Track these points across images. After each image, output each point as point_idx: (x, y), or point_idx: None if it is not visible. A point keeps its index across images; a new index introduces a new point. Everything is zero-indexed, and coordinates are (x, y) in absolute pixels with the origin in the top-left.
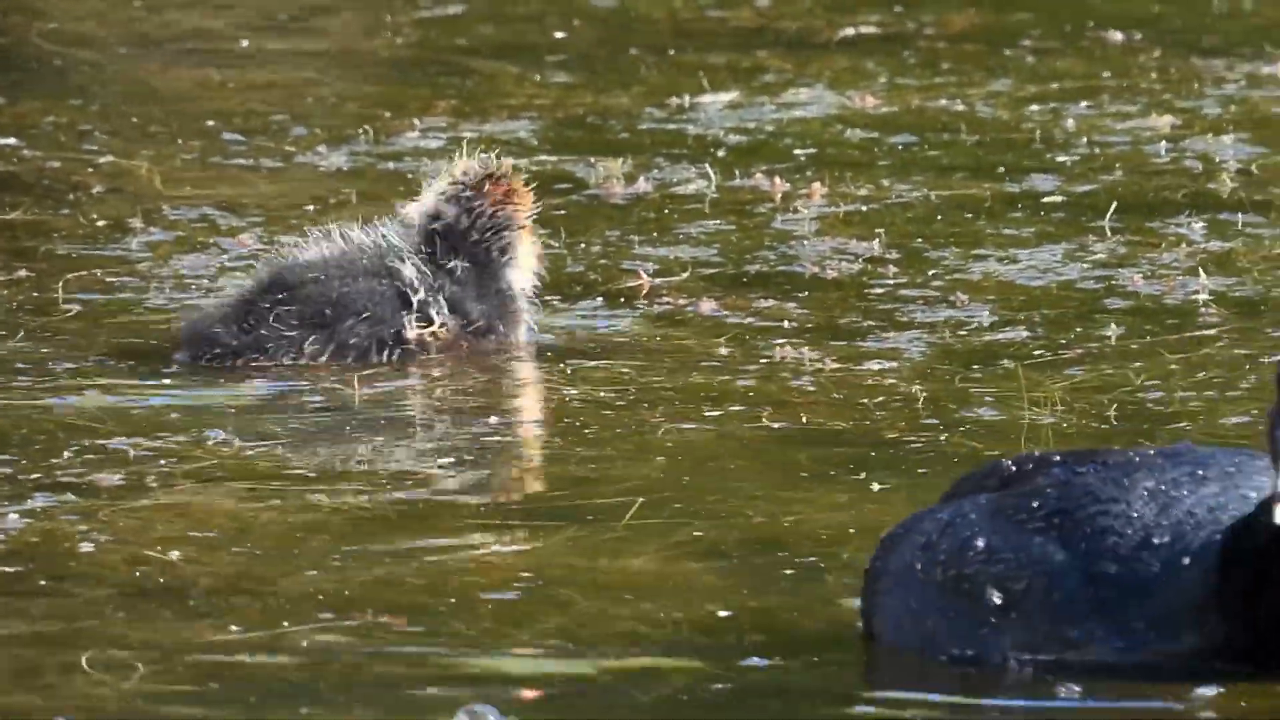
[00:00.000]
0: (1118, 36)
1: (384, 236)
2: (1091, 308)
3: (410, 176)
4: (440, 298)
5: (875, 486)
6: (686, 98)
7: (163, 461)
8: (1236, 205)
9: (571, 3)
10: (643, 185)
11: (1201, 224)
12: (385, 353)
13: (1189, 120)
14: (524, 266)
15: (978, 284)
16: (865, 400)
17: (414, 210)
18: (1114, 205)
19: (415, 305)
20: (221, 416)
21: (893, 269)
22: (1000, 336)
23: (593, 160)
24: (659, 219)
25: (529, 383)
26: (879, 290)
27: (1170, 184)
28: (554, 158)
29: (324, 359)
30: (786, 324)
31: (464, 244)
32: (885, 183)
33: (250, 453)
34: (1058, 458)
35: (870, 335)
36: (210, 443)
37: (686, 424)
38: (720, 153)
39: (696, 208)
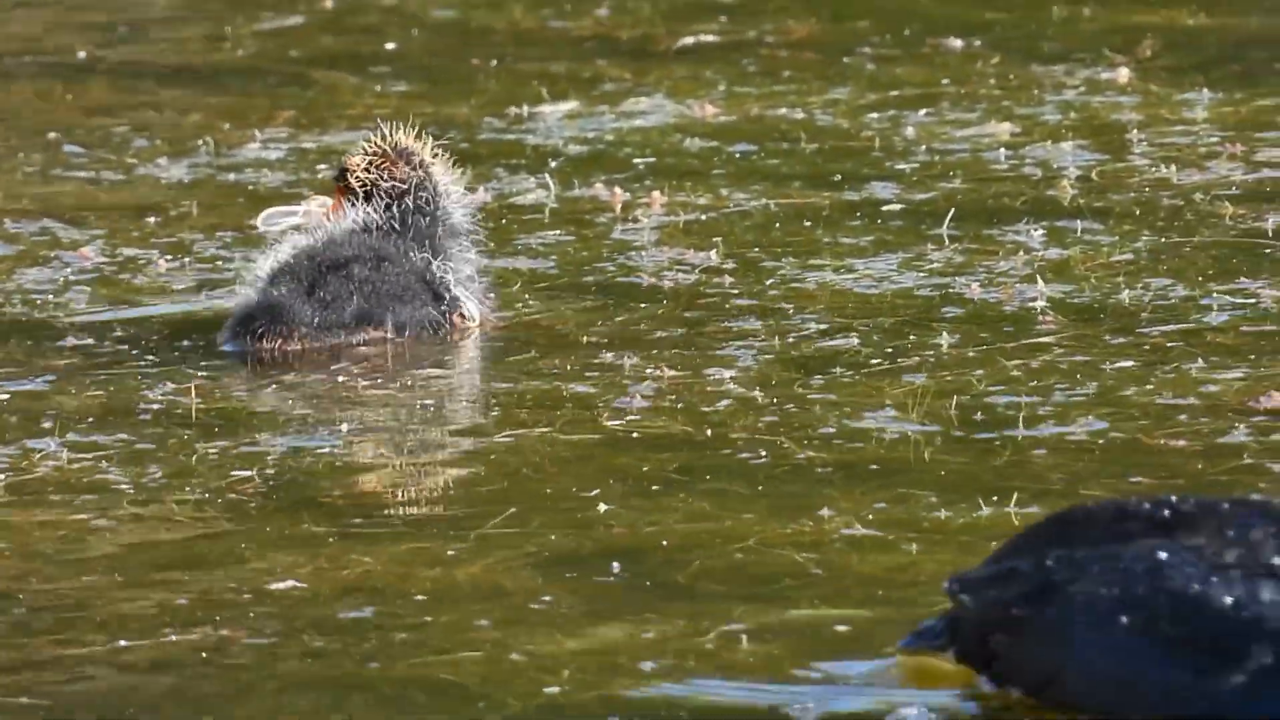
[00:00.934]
0: (957, 44)
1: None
2: (929, 315)
3: (251, 188)
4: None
5: (725, 493)
6: (525, 107)
7: None
8: (1075, 212)
9: (410, 13)
10: (482, 195)
11: (1040, 231)
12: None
13: (1028, 127)
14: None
15: (814, 293)
16: (706, 408)
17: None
18: (952, 213)
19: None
20: (52, 428)
21: (729, 279)
22: (837, 344)
23: None
24: (498, 229)
25: (367, 399)
26: (717, 299)
27: (1009, 191)
28: None
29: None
30: (625, 333)
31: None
32: (724, 192)
33: (79, 466)
34: (1226, 504)
35: (708, 345)
36: (38, 455)
37: (524, 430)
38: (559, 163)
39: (536, 218)
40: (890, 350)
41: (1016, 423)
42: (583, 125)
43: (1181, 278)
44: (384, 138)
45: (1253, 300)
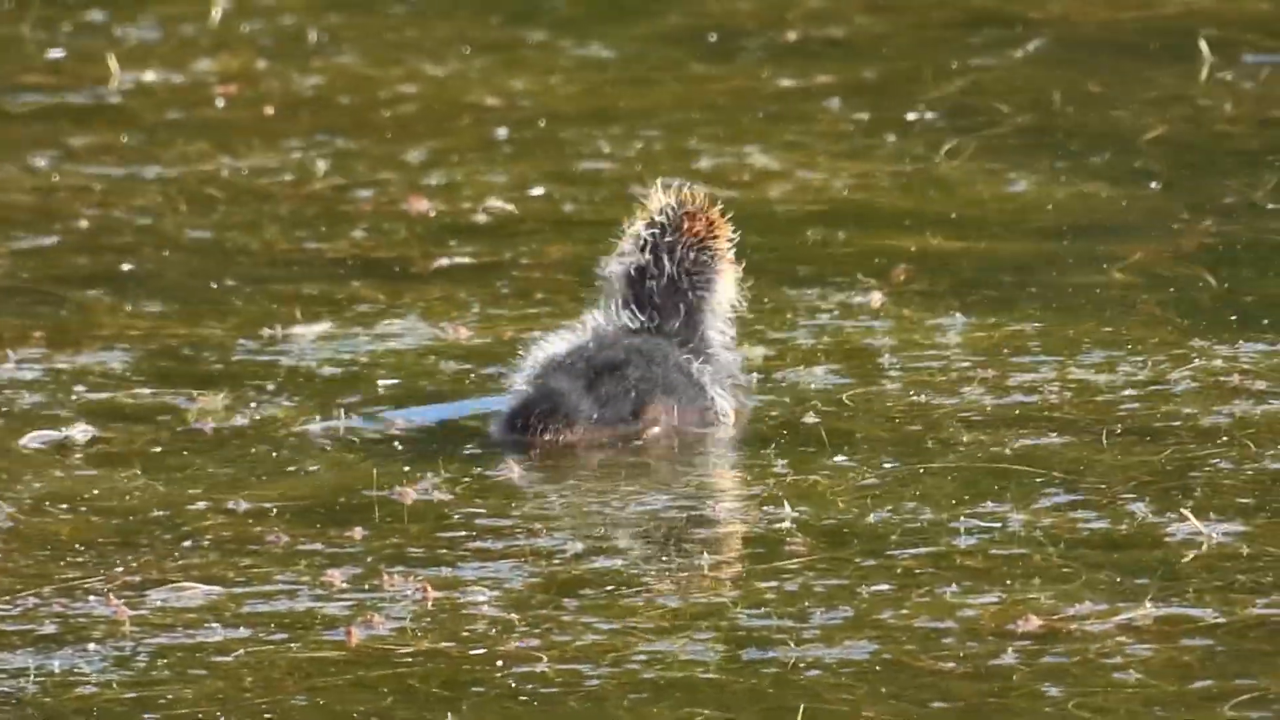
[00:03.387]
0: None
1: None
2: (681, 536)
3: (5, 410)
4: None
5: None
6: (279, 328)
7: None
8: (824, 436)
9: (165, 232)
10: (239, 419)
11: (788, 455)
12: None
13: (781, 351)
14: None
15: (563, 512)
16: (465, 630)
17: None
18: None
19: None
20: None
21: (479, 500)
22: (593, 565)
23: (193, 394)
24: (255, 455)
25: None
26: (472, 519)
27: (760, 414)
28: (149, 390)
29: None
30: (382, 549)
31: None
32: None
33: None
34: None
35: (468, 563)
36: None
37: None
38: (313, 384)
39: (292, 442)
40: (642, 571)
41: (783, 644)
42: (337, 346)
43: (929, 501)
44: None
45: (1000, 524)
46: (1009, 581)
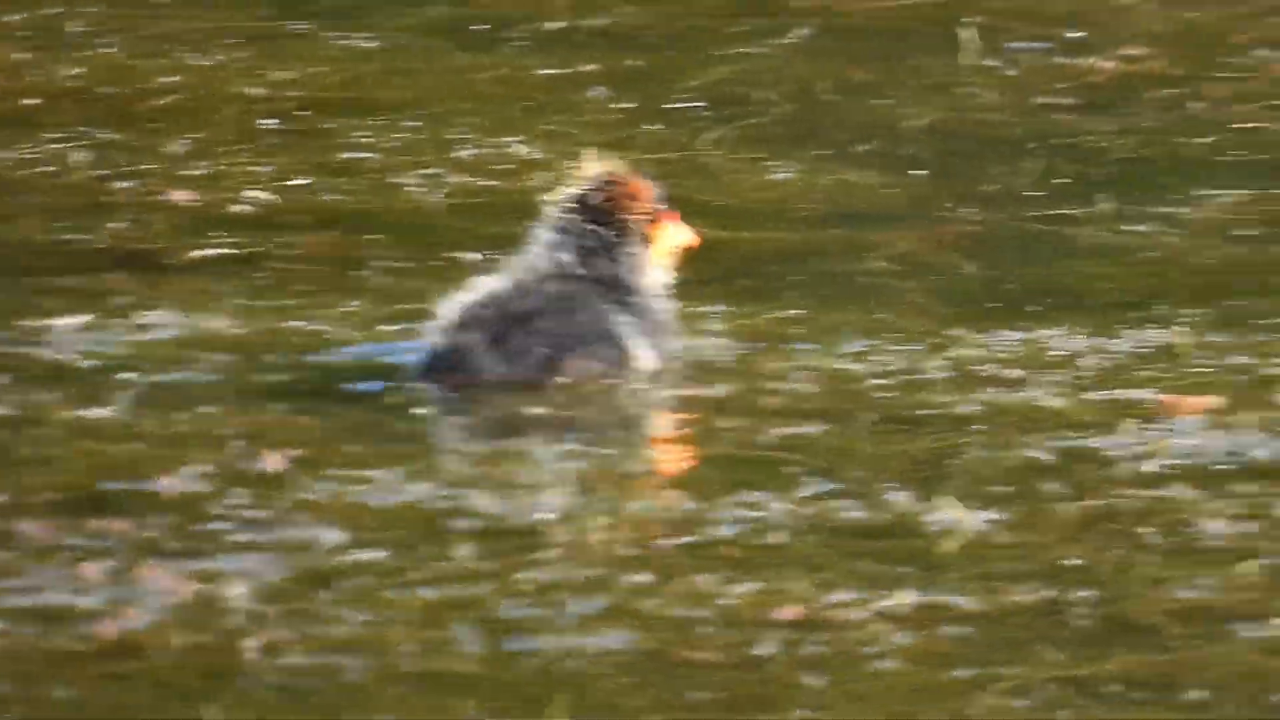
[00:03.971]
0: (475, 256)
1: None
2: (437, 528)
3: None
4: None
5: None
6: (37, 321)
7: None
8: (588, 423)
9: None
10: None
11: (556, 445)
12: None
13: None
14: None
15: (327, 505)
16: (221, 623)
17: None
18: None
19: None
20: None
21: (241, 489)
22: (351, 557)
23: None
24: (11, 447)
25: None
26: (231, 511)
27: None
28: None
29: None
30: (139, 541)
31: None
32: (233, 405)
33: None
34: None
35: (226, 554)
36: None
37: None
38: (71, 376)
39: (50, 434)
40: (401, 563)
41: (542, 635)
42: (96, 339)
43: (690, 491)
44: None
45: (760, 513)
46: (767, 570)
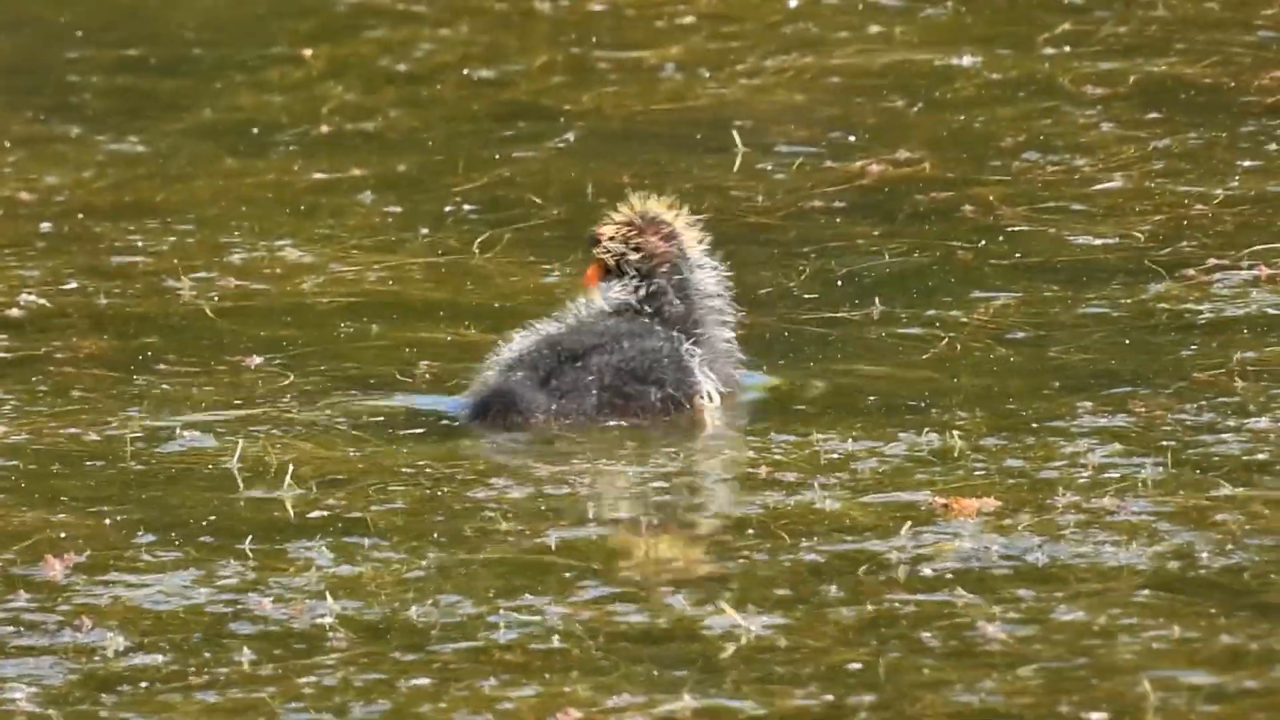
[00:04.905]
0: (257, 360)
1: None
2: (219, 632)
3: None
4: (708, 370)
5: None
6: None
7: None
8: (366, 528)
9: None
10: None
11: (329, 548)
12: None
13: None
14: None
15: (107, 609)
16: None
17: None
18: (251, 536)
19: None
20: None
21: (24, 593)
22: (133, 662)
23: None
24: None
25: None
26: (13, 615)
27: (306, 505)
28: None
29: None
30: None
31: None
32: (20, 515)
33: None
34: None
35: (7, 659)
36: None
37: None
38: None
39: None
40: (183, 667)
41: None
42: None
43: (469, 594)
44: (632, 207)
45: (538, 617)
46: (547, 675)
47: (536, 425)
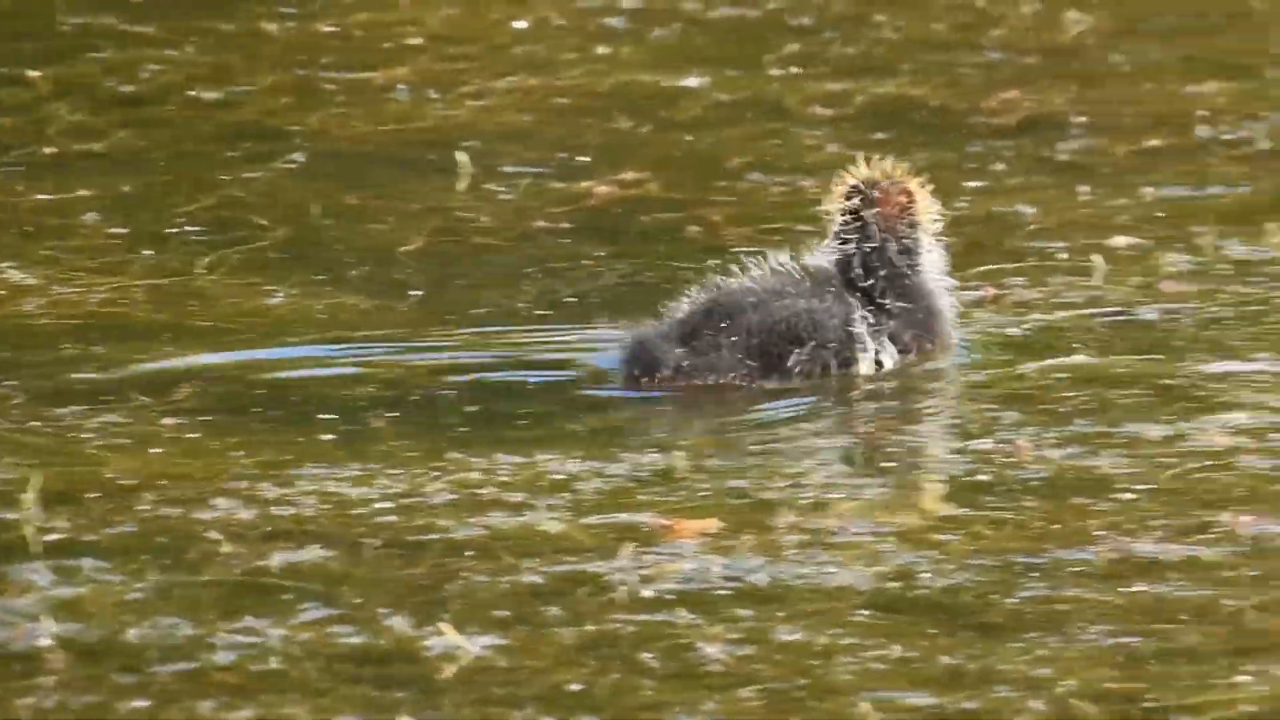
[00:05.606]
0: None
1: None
2: None
3: None
4: (885, 339)
5: None
6: None
7: None
8: (90, 550)
9: None
10: None
11: (50, 570)
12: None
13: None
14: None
15: None
16: None
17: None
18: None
19: (870, 352)
20: None
21: None
22: None
23: None
24: None
25: None
26: None
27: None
28: None
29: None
30: None
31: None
32: None
33: None
34: None
35: None
36: None
37: None
38: None
39: None
40: None
41: None
42: None
43: (188, 615)
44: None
45: (258, 639)
46: (264, 696)
47: (669, 381)
